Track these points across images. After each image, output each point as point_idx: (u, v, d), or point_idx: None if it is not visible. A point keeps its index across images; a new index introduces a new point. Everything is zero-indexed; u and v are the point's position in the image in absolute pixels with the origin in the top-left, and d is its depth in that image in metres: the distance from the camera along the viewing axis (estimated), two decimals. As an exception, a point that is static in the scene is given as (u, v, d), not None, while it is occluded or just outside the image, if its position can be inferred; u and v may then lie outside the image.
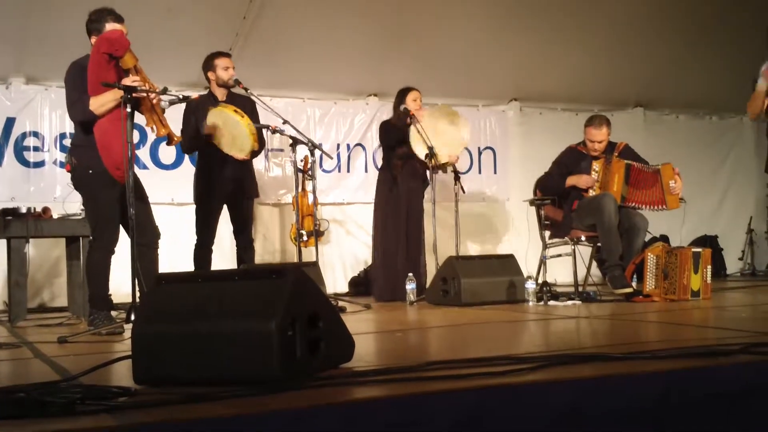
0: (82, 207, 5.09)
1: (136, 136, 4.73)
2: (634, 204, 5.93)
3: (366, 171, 8.15)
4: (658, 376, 2.16)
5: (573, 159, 6.18)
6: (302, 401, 1.90)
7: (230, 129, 5.49)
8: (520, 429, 1.96)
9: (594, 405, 2.04)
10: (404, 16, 7.15)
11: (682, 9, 7.59)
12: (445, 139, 6.42)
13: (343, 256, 8.14)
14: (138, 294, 4.14)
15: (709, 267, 5.37)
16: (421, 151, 6.30)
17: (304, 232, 6.90)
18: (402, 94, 6.60)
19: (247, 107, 5.67)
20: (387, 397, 1.96)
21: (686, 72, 8.67)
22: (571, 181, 6.07)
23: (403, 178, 6.56)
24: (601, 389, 2.09)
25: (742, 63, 7.80)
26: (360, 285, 7.73)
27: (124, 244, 4.50)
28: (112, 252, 4.56)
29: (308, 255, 7.10)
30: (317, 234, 6.51)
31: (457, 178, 6.60)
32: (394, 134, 6.51)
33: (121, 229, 4.62)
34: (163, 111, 4.63)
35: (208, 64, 5.81)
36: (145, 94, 4.35)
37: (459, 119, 6.63)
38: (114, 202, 4.48)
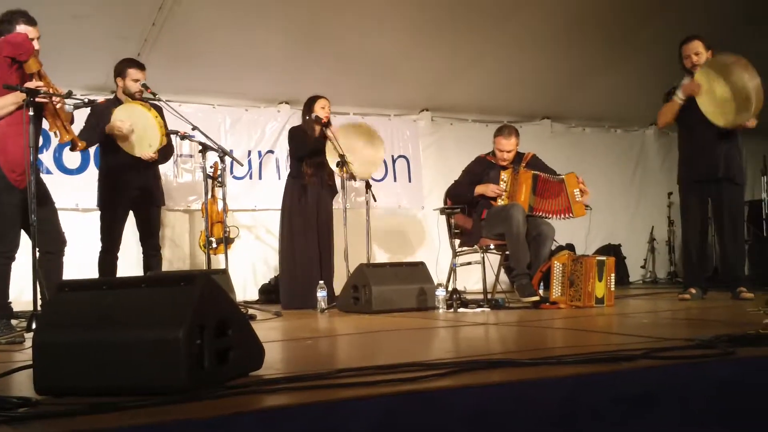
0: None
1: (39, 140, 4.60)
2: (541, 213, 6.05)
3: (279, 178, 8.09)
4: (564, 381, 2.21)
5: (482, 168, 6.28)
6: (211, 410, 1.87)
7: (138, 126, 5.40)
8: (430, 434, 1.97)
9: (502, 409, 2.07)
10: (316, 25, 7.14)
11: (588, 26, 7.80)
12: (361, 159, 6.45)
13: (254, 263, 8.06)
14: (40, 302, 4.03)
15: (613, 275, 5.50)
16: (332, 160, 6.30)
17: (213, 240, 6.81)
18: (310, 102, 6.58)
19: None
20: (298, 404, 1.94)
21: (591, 86, 8.92)
22: (480, 190, 6.16)
23: (313, 186, 6.54)
24: (509, 394, 2.12)
25: (645, 79, 8.07)
26: (270, 292, 7.67)
27: (26, 250, 4.36)
28: (13, 259, 4.42)
29: (218, 262, 7.01)
30: (227, 241, 6.42)
31: (368, 187, 6.62)
32: (310, 145, 6.47)
33: (24, 235, 4.47)
34: (72, 120, 4.52)
35: (120, 70, 5.66)
36: (47, 99, 4.24)
37: (376, 140, 6.67)
38: (14, 208, 4.34)
